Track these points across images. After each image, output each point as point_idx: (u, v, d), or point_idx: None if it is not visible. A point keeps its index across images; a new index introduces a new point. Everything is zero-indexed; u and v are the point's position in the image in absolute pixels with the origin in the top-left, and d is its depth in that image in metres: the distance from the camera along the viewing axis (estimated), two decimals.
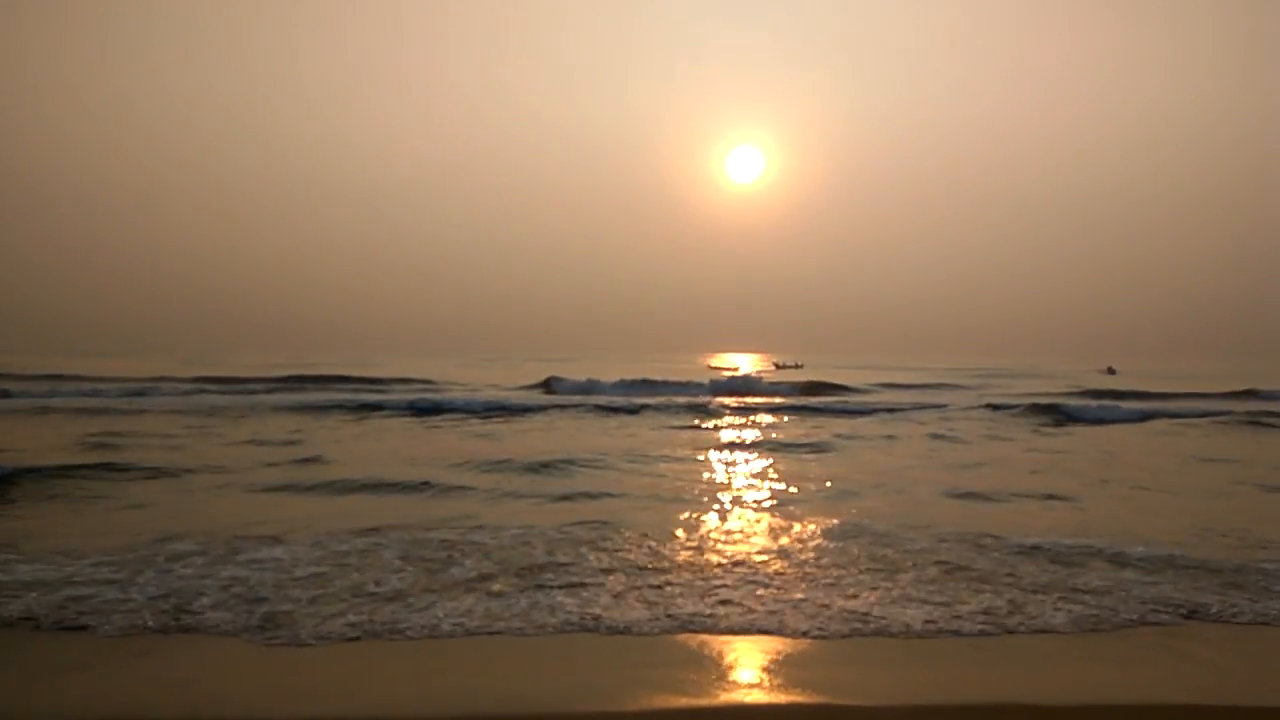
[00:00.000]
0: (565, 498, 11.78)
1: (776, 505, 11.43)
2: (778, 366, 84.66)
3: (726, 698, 5.01)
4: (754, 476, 14.36)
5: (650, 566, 7.94)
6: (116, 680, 5.21)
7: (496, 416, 26.21)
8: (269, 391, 35.68)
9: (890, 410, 29.45)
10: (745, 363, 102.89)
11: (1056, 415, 28.05)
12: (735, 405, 31.32)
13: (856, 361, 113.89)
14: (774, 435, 21.63)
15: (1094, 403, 31.84)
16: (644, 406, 28.97)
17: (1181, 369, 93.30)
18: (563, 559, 8.14)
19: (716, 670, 5.46)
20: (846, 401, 34.00)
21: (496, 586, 7.21)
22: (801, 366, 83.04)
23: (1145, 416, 27.27)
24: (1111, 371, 75.00)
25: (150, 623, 6.23)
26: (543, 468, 14.54)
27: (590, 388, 39.27)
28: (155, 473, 13.48)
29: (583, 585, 7.26)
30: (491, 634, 6.10)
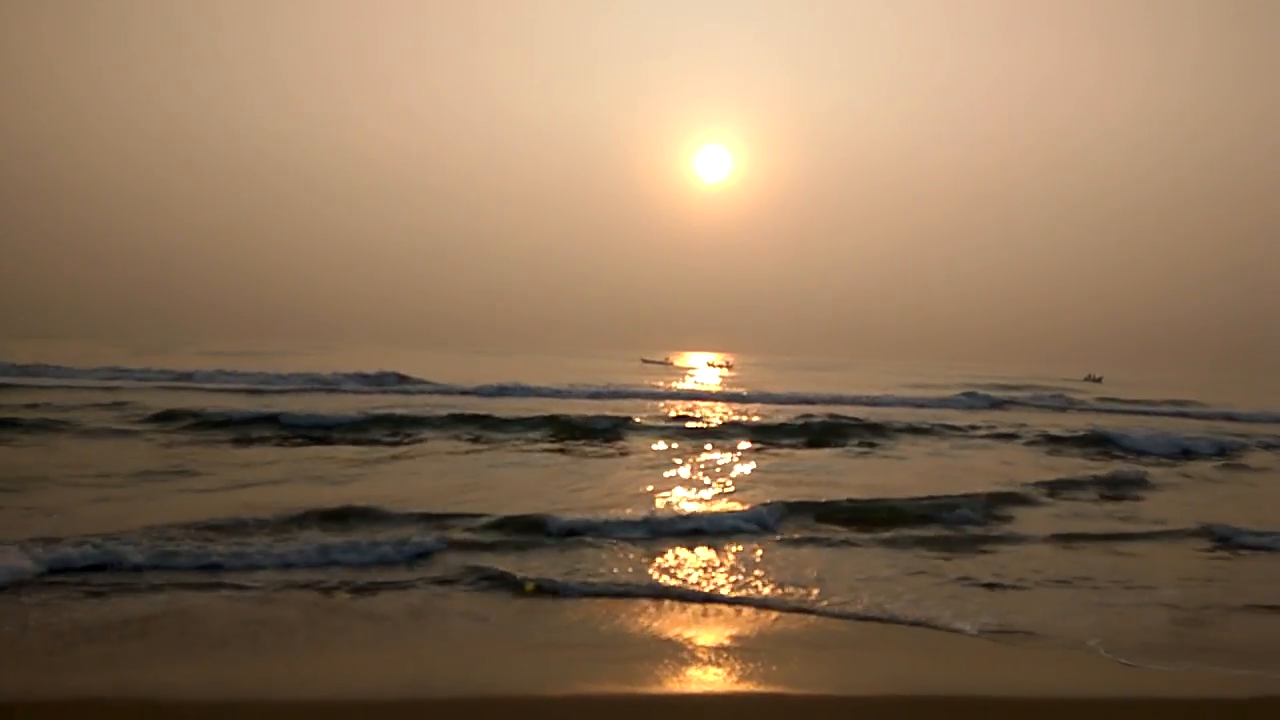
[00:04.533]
0: None
1: None
2: (644, 361, 78.73)
3: (680, 688, 5.10)
4: None
5: None
6: None
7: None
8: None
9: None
10: (699, 361, 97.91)
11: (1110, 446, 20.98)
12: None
13: (829, 362, 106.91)
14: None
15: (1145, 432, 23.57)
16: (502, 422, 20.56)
17: (1162, 378, 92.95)
18: None
19: (672, 661, 5.55)
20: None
21: None
22: (667, 363, 78.43)
23: (1222, 449, 21.00)
24: (1095, 379, 72.33)
25: None
26: None
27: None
28: None
29: None
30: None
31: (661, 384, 44.64)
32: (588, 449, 17.31)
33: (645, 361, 78.20)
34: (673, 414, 24.92)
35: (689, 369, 74.90)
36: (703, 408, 29.88)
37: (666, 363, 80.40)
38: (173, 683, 4.89)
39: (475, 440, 17.92)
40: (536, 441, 18.13)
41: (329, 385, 32.13)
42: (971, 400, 37.06)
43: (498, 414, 21.28)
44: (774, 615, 6.72)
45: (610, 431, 19.95)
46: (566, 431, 19.56)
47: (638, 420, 22.01)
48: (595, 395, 33.14)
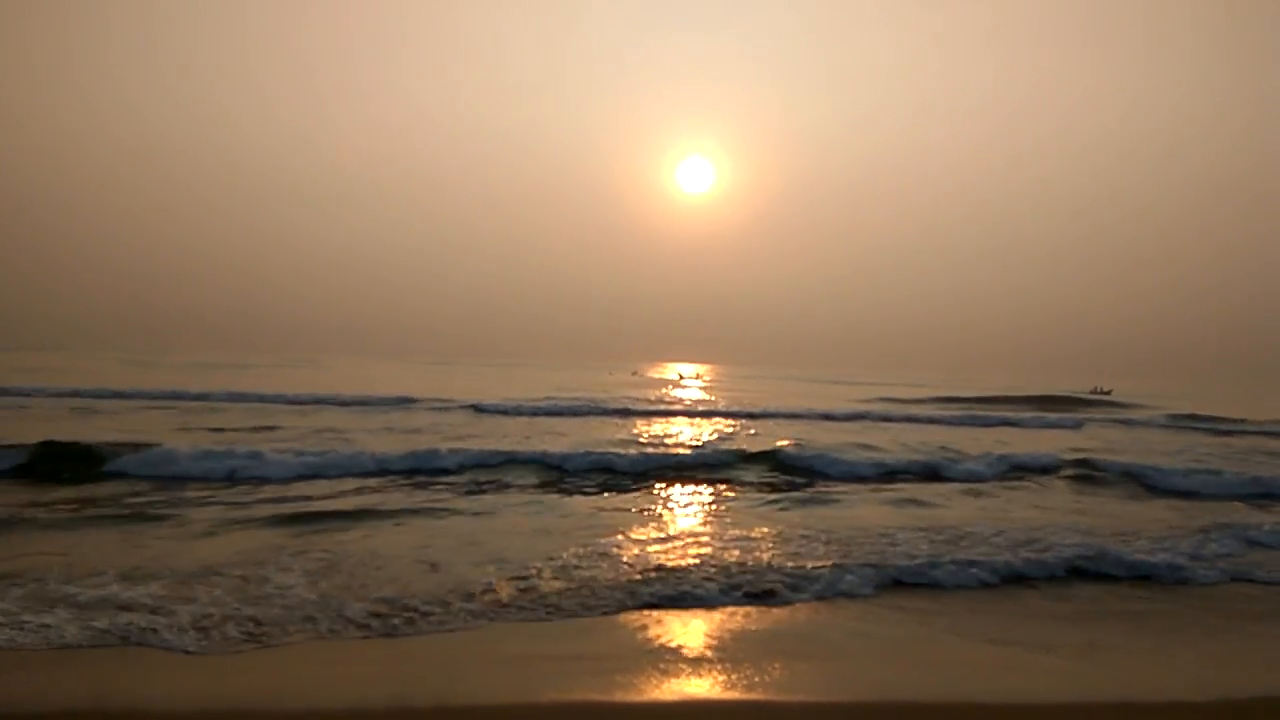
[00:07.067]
0: None
1: None
2: (610, 375, 79.05)
3: (661, 697, 5.11)
4: None
5: None
6: None
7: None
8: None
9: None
10: (670, 373, 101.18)
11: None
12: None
13: (819, 375, 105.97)
14: None
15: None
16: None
17: (1168, 390, 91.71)
18: None
19: (653, 670, 5.56)
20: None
21: None
22: (637, 375, 79.43)
23: None
24: (1105, 392, 73.17)
25: None
26: None
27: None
28: None
29: None
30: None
31: (701, 401, 42.94)
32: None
33: (611, 375, 78.77)
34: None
35: (670, 381, 74.73)
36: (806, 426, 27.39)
37: (636, 375, 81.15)
38: (155, 694, 4.94)
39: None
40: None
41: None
42: (1061, 420, 34.80)
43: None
44: (756, 625, 6.79)
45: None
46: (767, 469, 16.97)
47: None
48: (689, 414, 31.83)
